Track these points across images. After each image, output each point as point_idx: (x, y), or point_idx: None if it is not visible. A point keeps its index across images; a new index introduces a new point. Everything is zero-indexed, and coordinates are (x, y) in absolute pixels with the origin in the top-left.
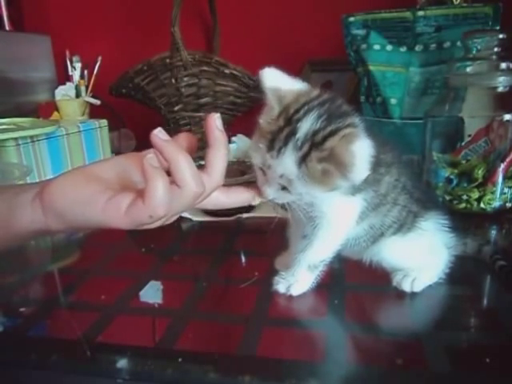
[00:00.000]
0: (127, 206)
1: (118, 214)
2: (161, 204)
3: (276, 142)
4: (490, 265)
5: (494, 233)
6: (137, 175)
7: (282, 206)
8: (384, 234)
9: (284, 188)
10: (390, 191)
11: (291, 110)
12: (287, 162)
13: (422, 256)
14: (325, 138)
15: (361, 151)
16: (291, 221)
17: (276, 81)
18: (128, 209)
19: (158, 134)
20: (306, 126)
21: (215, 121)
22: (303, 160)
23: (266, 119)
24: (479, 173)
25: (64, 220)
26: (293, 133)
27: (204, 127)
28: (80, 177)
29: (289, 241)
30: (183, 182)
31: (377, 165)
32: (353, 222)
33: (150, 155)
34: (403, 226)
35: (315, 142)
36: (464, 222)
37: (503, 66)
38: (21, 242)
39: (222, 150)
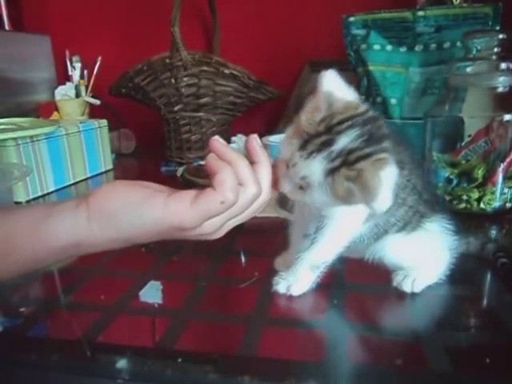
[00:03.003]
0: (193, 197)
1: (183, 206)
2: (232, 189)
3: (310, 144)
4: (492, 262)
5: (494, 233)
6: None
7: (290, 204)
8: (388, 231)
9: (301, 187)
10: (400, 192)
11: (335, 120)
12: (314, 168)
13: (423, 255)
14: (358, 159)
15: (387, 179)
16: (294, 220)
17: (333, 86)
18: (196, 199)
19: (219, 140)
20: (344, 141)
21: (256, 140)
22: (331, 172)
23: (308, 119)
24: (479, 173)
25: (113, 224)
26: (329, 143)
27: (246, 147)
28: (131, 183)
29: (290, 240)
30: (245, 180)
31: None
32: (360, 224)
33: (211, 154)
34: (408, 224)
35: (348, 160)
36: (464, 222)
37: (503, 66)
38: (49, 261)
39: (266, 166)
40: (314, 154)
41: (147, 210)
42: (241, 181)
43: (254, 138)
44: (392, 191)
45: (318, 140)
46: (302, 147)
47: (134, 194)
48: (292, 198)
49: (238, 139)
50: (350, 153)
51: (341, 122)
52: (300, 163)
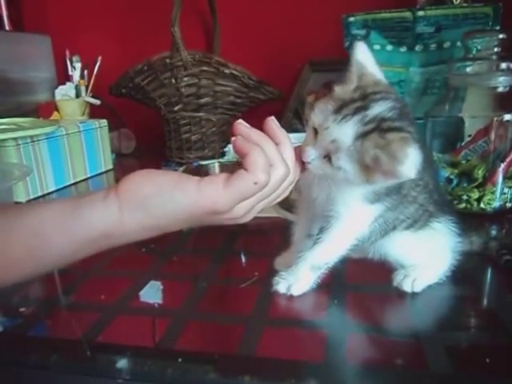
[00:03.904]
0: (225, 179)
1: (216, 188)
2: (265, 169)
3: (344, 109)
4: (496, 259)
5: (494, 233)
6: None
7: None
8: (396, 227)
9: (325, 157)
10: (412, 190)
11: (369, 90)
12: (346, 131)
13: (427, 254)
14: (389, 129)
15: (414, 155)
16: (297, 219)
17: (364, 57)
18: (228, 181)
19: (242, 123)
20: (378, 108)
21: (273, 121)
22: (362, 136)
23: (343, 88)
24: (479, 173)
25: (146, 211)
26: (364, 108)
27: (265, 130)
28: (158, 171)
29: (292, 239)
30: (274, 160)
31: None
32: (366, 227)
33: (238, 136)
34: (416, 222)
35: (380, 127)
36: (464, 221)
37: (503, 66)
38: (80, 255)
39: (288, 146)
40: (348, 118)
41: (180, 195)
42: (270, 161)
43: (272, 119)
44: (417, 167)
45: (353, 105)
46: (337, 111)
47: (165, 179)
48: (313, 169)
49: None
50: (382, 120)
51: (375, 93)
52: (333, 126)
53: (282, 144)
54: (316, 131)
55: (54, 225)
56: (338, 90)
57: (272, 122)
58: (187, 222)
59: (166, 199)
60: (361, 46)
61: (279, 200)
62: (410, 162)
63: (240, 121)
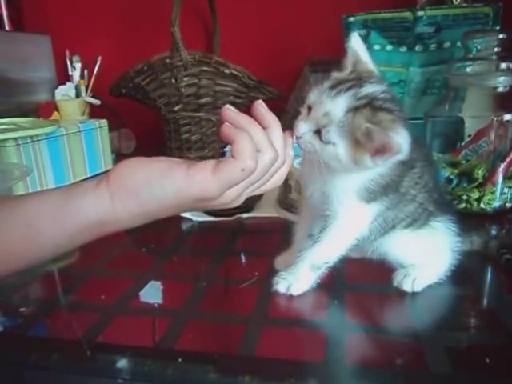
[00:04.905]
0: (213, 166)
1: (205, 175)
2: (252, 156)
3: (339, 86)
4: (496, 258)
5: (494, 233)
6: None
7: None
8: (395, 226)
9: (316, 132)
10: (411, 188)
11: (363, 75)
12: (338, 104)
13: (427, 253)
14: (381, 108)
15: (405, 135)
16: (298, 219)
17: (358, 47)
18: (216, 168)
19: (230, 108)
20: (371, 89)
21: (261, 105)
22: (354, 109)
23: (339, 74)
24: (479, 173)
25: (136, 199)
26: (358, 86)
27: (254, 114)
28: (149, 159)
29: (294, 237)
30: (261, 145)
31: (401, 163)
32: (365, 226)
33: (226, 123)
34: (416, 221)
35: (372, 104)
36: (464, 222)
37: (503, 66)
38: (74, 243)
39: (277, 129)
40: (342, 93)
41: (169, 182)
42: (257, 146)
43: (260, 103)
44: (407, 147)
45: (347, 83)
46: (332, 88)
47: (154, 167)
48: (303, 145)
49: None
50: (375, 99)
51: (369, 77)
52: (325, 101)
53: (270, 127)
54: (310, 109)
55: (46, 215)
56: (335, 74)
57: (260, 105)
58: (178, 209)
59: (155, 187)
60: (355, 36)
61: (271, 185)
62: (401, 139)
63: (227, 106)
